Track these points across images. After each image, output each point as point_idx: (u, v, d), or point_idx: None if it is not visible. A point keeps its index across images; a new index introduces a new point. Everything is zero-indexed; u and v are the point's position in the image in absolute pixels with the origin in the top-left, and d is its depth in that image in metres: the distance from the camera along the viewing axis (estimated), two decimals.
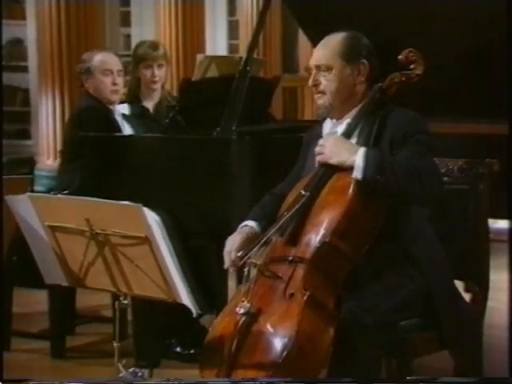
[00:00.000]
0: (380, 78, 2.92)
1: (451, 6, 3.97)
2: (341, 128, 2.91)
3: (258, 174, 3.66)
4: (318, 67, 2.93)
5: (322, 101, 2.93)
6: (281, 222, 2.75)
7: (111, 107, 4.26)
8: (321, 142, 2.84)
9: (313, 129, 3.13)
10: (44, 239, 2.87)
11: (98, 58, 4.28)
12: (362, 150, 2.72)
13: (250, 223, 2.98)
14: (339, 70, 2.90)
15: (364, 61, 2.91)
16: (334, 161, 2.77)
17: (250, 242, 2.84)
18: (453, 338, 2.88)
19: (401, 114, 2.87)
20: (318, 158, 2.82)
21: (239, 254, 2.81)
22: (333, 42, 2.94)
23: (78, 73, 4.34)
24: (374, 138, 2.83)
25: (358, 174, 2.70)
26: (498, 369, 3.14)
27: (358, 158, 2.71)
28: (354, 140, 2.85)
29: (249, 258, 2.73)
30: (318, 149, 2.83)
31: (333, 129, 2.95)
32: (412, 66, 2.90)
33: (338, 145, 2.79)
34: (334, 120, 2.97)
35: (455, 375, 3.01)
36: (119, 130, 4.19)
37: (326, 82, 2.91)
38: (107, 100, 4.25)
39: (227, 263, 2.88)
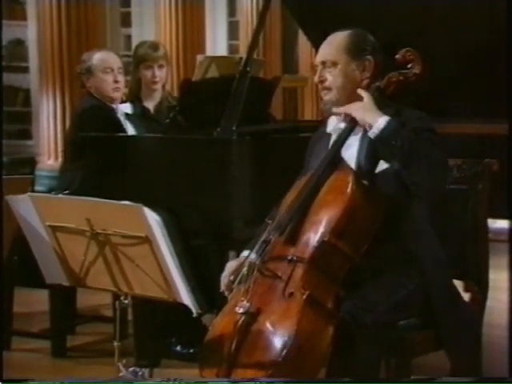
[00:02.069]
0: (379, 77, 2.93)
1: (451, 6, 3.98)
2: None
3: (258, 174, 3.67)
4: (323, 63, 2.94)
5: (328, 96, 2.94)
6: (259, 242, 2.79)
7: (113, 106, 4.26)
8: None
9: (318, 129, 3.13)
10: (45, 239, 2.87)
11: (98, 57, 4.29)
12: (387, 117, 2.76)
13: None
14: (344, 65, 2.91)
15: (369, 57, 2.92)
16: (358, 116, 2.79)
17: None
18: (452, 337, 2.88)
19: (410, 113, 2.89)
20: (346, 110, 2.84)
21: (231, 278, 2.84)
22: (338, 38, 2.95)
23: (79, 73, 4.34)
24: None
25: (375, 131, 2.73)
26: (498, 369, 3.15)
27: (381, 119, 2.74)
28: (359, 135, 2.86)
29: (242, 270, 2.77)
30: (345, 106, 2.85)
31: (337, 125, 2.95)
32: (410, 66, 2.89)
33: (367, 106, 2.80)
34: (339, 116, 2.97)
35: (451, 376, 3.01)
36: (122, 129, 4.20)
37: (332, 77, 2.92)
38: (109, 98, 4.25)
39: (222, 287, 2.90)
